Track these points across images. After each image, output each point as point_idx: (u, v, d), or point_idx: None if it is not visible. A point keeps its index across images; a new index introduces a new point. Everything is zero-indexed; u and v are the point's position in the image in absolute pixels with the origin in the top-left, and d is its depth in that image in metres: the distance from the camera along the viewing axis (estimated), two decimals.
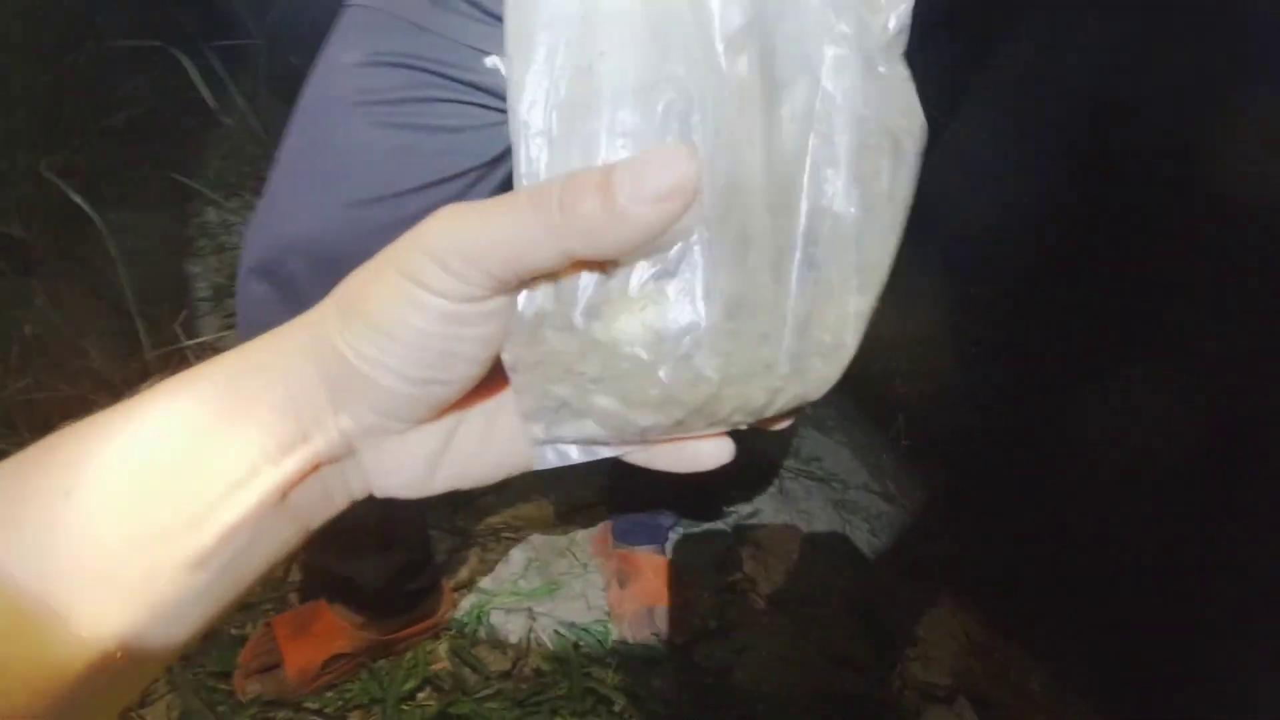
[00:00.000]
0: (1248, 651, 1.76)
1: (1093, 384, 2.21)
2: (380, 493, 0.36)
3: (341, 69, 0.92)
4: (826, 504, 2.18)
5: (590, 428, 0.35)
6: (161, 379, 0.31)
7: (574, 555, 1.76)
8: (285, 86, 2.40)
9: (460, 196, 0.96)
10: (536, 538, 1.77)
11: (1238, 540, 1.85)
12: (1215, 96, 1.89)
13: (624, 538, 1.71)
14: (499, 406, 0.37)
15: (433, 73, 0.91)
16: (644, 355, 0.32)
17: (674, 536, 1.86)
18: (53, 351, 1.69)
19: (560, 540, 1.78)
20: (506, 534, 1.75)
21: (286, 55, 2.30)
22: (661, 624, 1.61)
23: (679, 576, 1.74)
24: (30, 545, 0.27)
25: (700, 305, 0.32)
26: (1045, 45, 2.19)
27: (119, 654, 0.28)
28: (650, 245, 0.30)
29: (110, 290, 1.87)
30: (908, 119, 0.34)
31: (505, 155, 0.97)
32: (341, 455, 0.33)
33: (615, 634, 1.62)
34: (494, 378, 0.35)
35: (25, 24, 1.77)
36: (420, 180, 0.94)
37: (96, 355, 1.67)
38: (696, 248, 0.31)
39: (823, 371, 0.35)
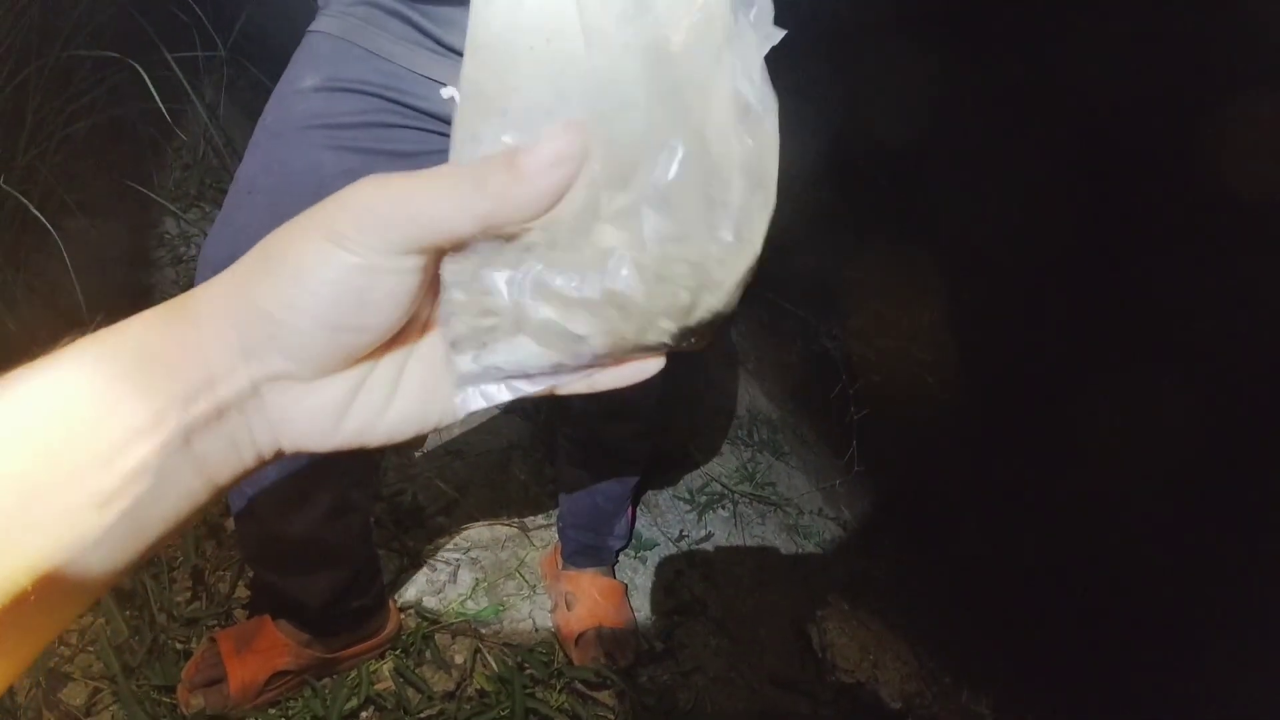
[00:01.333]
0: (1194, 672, 1.80)
1: (1045, 410, 2.26)
2: (288, 444, 0.37)
3: (300, 93, 0.95)
4: (780, 529, 2.21)
5: (523, 348, 0.37)
6: None
7: (522, 577, 1.76)
8: (247, 99, 2.41)
9: None
10: (485, 559, 1.78)
11: (1188, 562, 1.89)
12: (1214, 97, 1.92)
13: (572, 560, 1.72)
14: (407, 360, 0.39)
15: (388, 99, 0.94)
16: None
17: (623, 559, 1.88)
18: (8, 360, 1.67)
19: (509, 562, 1.79)
20: (455, 555, 1.75)
21: (249, 68, 2.30)
22: (608, 646, 1.62)
23: (627, 599, 1.75)
24: None
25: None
26: (1043, 46, 2.23)
27: (31, 592, 0.29)
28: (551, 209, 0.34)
29: (65, 299, 1.85)
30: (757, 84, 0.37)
31: None
32: (248, 402, 0.34)
33: (561, 656, 1.62)
34: (402, 333, 0.37)
35: None
36: None
37: None
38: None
39: (729, 266, 0.37)
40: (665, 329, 0.37)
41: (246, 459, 0.36)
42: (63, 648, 1.38)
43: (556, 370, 0.38)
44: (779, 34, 0.37)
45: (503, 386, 0.38)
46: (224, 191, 2.29)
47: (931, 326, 2.73)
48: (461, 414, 0.39)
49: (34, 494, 0.29)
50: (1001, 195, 2.42)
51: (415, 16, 0.95)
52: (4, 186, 1.73)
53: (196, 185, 2.33)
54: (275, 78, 1.00)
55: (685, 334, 0.38)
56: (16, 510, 0.29)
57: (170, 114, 2.03)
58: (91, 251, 2.04)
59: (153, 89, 1.96)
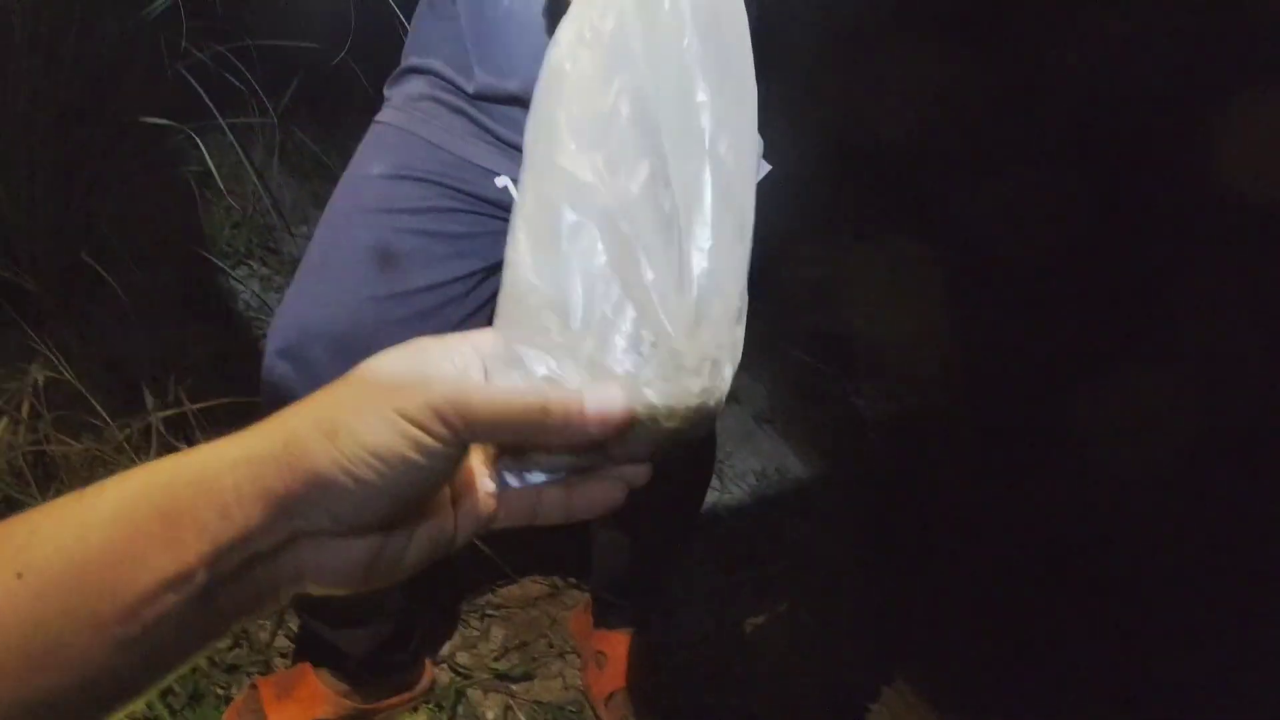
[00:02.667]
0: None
1: (1089, 468, 2.23)
2: (314, 588, 0.40)
3: (368, 180, 1.05)
4: (811, 591, 2.21)
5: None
6: (165, 441, 0.37)
7: (553, 635, 1.79)
8: (294, 161, 2.50)
9: (469, 294, 1.08)
10: (517, 616, 1.80)
11: (1217, 606, 1.87)
12: (1215, 97, 1.93)
13: (604, 619, 1.74)
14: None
15: (448, 187, 1.05)
16: None
17: (654, 620, 1.89)
18: (61, 406, 1.74)
19: (540, 620, 1.81)
20: (488, 612, 1.78)
21: (297, 133, 2.39)
22: (637, 707, 1.63)
23: (656, 659, 1.77)
24: None
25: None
26: (1043, 46, 2.24)
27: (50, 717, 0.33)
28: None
29: (119, 350, 1.92)
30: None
31: None
32: (281, 552, 0.38)
33: (591, 715, 1.64)
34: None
35: (42, 93, 1.85)
36: (433, 279, 1.05)
37: (103, 412, 1.72)
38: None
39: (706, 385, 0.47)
40: (667, 429, 0.45)
41: (266, 604, 0.39)
42: None
43: (569, 469, 0.46)
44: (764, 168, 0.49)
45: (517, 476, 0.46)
46: (272, 249, 2.38)
47: (960, 379, 2.72)
48: (460, 541, 0.46)
49: (57, 641, 0.33)
50: (1029, 237, 2.39)
51: (474, 113, 1.05)
52: (62, 237, 1.81)
53: (245, 243, 2.41)
54: (322, 142, 1.10)
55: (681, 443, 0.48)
56: (40, 654, 0.32)
57: (221, 175, 2.12)
58: (145, 304, 2.11)
59: (205, 153, 2.05)
